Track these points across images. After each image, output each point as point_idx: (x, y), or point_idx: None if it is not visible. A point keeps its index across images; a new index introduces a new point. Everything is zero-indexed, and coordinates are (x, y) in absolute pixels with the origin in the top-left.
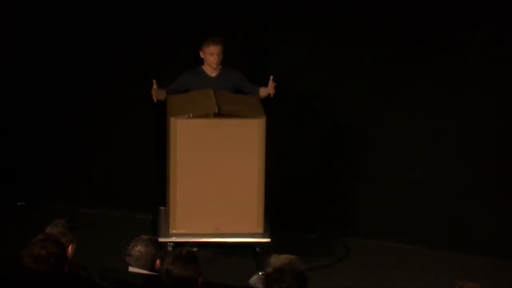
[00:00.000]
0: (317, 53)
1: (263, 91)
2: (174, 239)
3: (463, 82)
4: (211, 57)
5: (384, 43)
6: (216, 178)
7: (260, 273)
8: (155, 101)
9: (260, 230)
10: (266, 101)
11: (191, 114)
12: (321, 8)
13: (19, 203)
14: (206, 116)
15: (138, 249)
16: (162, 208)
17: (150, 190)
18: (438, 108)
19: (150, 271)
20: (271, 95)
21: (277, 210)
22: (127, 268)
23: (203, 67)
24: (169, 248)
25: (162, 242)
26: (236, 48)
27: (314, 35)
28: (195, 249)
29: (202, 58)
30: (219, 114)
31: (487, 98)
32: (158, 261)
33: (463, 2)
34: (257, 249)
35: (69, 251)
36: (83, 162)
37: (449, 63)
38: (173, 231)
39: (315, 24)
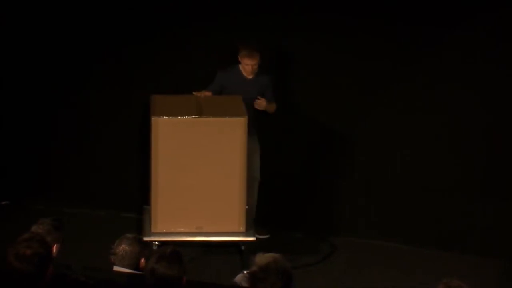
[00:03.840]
0: (301, 51)
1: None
2: (157, 238)
3: (451, 81)
4: (247, 67)
5: (369, 42)
6: (198, 178)
7: (245, 272)
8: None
9: (242, 229)
10: None
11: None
12: (306, 6)
13: (3, 203)
14: (188, 115)
15: (123, 248)
16: (147, 207)
17: (135, 189)
18: (423, 107)
19: (134, 270)
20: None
21: (263, 209)
22: (112, 267)
23: (240, 67)
24: (154, 247)
25: (146, 241)
26: (222, 46)
27: (299, 33)
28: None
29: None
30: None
31: (475, 97)
32: (142, 260)
33: (450, 2)
34: (242, 248)
35: (54, 251)
36: (68, 161)
37: (437, 63)
38: (155, 230)
39: (300, 22)
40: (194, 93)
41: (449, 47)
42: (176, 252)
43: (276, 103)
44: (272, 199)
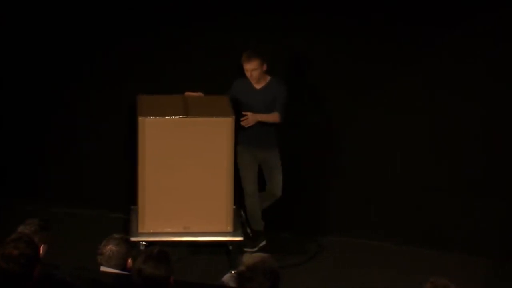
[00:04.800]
0: (301, 51)
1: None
2: (145, 238)
3: (451, 81)
4: (246, 73)
5: (369, 42)
6: (185, 178)
7: (232, 272)
8: None
9: (230, 228)
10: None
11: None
12: (306, 6)
13: None
14: (175, 115)
15: (110, 248)
16: (134, 207)
17: (122, 189)
18: (423, 107)
19: (121, 270)
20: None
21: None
22: (99, 267)
23: None
24: (141, 247)
25: (134, 241)
26: (215, 46)
27: (299, 33)
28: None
29: None
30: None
31: (475, 97)
32: (129, 260)
33: (450, 2)
34: (230, 248)
35: (41, 251)
36: (55, 162)
37: (437, 63)
38: (142, 230)
39: (300, 22)
40: (186, 93)
41: (449, 47)
42: (163, 252)
43: (283, 116)
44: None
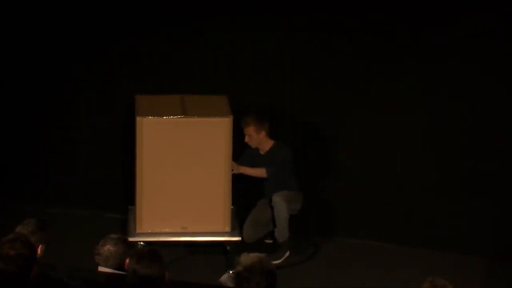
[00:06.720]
0: (301, 51)
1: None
2: (142, 238)
3: (451, 82)
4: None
5: (369, 42)
6: (183, 178)
7: (230, 272)
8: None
9: (228, 229)
10: (237, 100)
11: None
12: (306, 6)
13: None
14: (173, 115)
15: (107, 248)
16: (131, 207)
17: (120, 189)
18: (423, 107)
19: (119, 270)
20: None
21: (247, 209)
22: (97, 267)
23: None
24: (139, 247)
25: (131, 241)
26: (215, 46)
27: (299, 33)
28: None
29: None
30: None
31: (476, 98)
32: (127, 260)
33: (450, 2)
34: (228, 248)
35: (38, 252)
36: (51, 161)
37: (437, 63)
38: (140, 230)
39: (300, 22)
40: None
41: (449, 47)
42: (154, 250)
43: (273, 172)
44: (256, 199)
